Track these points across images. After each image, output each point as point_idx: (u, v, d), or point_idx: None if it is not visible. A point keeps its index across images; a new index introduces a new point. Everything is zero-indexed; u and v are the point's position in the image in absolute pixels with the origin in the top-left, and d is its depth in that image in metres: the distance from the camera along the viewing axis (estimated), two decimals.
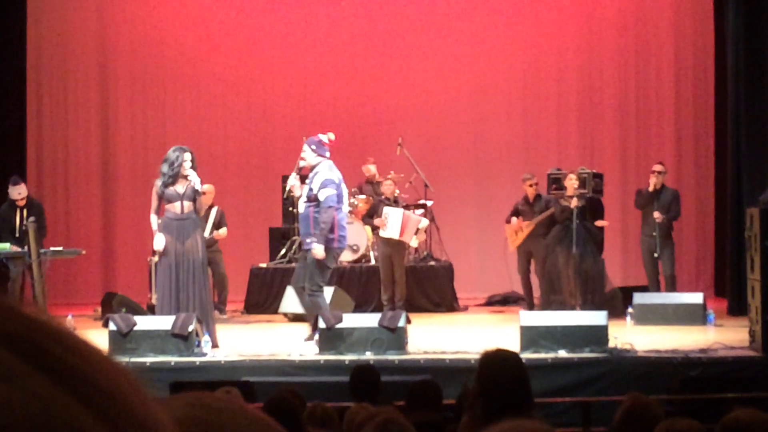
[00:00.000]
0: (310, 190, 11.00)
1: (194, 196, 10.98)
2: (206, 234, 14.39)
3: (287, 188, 11.26)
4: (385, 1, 18.01)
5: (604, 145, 17.77)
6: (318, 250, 10.82)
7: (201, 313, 10.80)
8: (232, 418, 0.87)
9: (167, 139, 17.52)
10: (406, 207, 14.73)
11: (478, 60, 17.91)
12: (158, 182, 10.96)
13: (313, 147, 11.15)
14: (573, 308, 13.19)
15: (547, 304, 13.72)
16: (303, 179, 11.34)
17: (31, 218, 13.25)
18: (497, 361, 4.32)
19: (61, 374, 0.71)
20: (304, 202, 11.08)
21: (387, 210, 14.27)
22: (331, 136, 11.38)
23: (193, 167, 10.97)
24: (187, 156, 10.97)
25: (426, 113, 17.84)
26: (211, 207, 14.48)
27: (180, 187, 10.91)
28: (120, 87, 18.05)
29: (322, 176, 11.00)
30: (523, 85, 17.95)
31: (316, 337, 10.76)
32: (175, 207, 10.92)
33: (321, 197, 10.91)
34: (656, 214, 13.89)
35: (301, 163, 11.30)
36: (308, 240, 11.02)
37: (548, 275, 14.10)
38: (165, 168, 10.95)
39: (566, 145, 17.77)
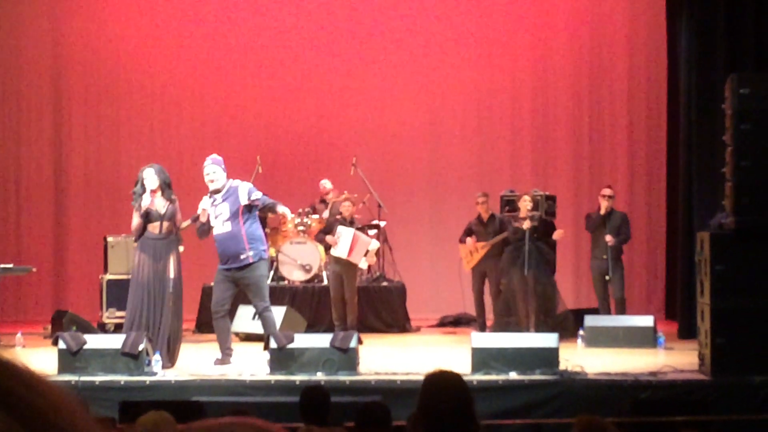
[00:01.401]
0: (234, 205, 10.98)
1: (173, 216, 10.97)
2: None
3: (201, 211, 11.10)
4: (338, 22, 18.02)
5: (558, 168, 17.85)
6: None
7: (168, 334, 10.77)
8: None
9: (121, 156, 17.48)
10: (360, 228, 14.70)
11: (432, 81, 17.97)
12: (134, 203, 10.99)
13: (223, 167, 11.15)
14: (527, 329, 13.25)
15: (502, 326, 13.75)
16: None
17: None
18: (440, 382, 4.31)
19: (8, 403, 0.77)
20: (227, 220, 11.01)
21: (340, 229, 14.24)
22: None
23: (162, 182, 10.94)
24: (147, 173, 10.95)
25: (380, 133, 17.86)
26: None
27: (161, 207, 10.89)
28: (73, 103, 17.95)
29: (244, 186, 11.12)
30: (477, 107, 18.01)
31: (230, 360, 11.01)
32: (155, 227, 10.92)
33: (256, 196, 11.00)
34: (608, 237, 13.95)
35: (213, 185, 11.14)
36: (243, 256, 10.98)
37: (503, 296, 14.15)
38: (135, 188, 11.01)
39: (520, 167, 17.84)
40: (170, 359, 10.90)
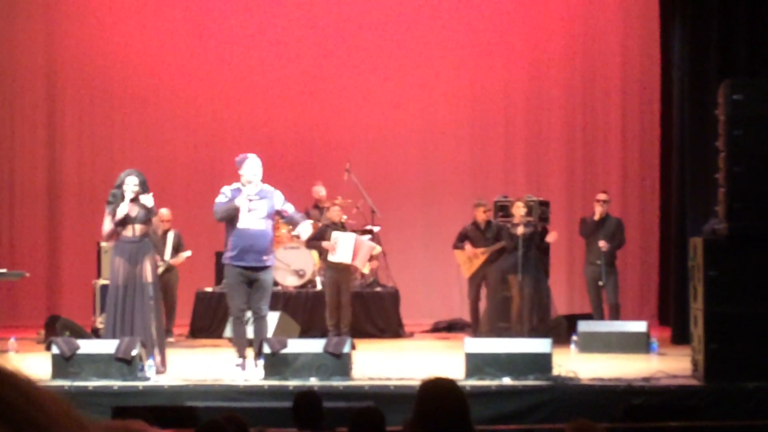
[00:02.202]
0: (271, 206, 11.02)
1: (146, 219, 10.94)
2: (167, 257, 14.35)
3: (247, 199, 11.08)
4: (333, 27, 18.02)
5: (551, 173, 17.86)
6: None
7: (151, 337, 10.75)
8: None
9: (114, 161, 17.44)
10: (354, 232, 14.68)
11: (426, 86, 17.97)
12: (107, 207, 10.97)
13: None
14: (520, 335, 13.24)
15: (495, 331, 13.75)
16: None
17: None
18: (436, 389, 4.32)
19: (6, 414, 0.78)
20: (262, 218, 11.02)
21: (336, 234, 14.16)
22: None
23: (143, 191, 10.92)
24: (130, 179, 10.91)
25: (374, 139, 17.86)
26: (167, 231, 14.45)
27: (132, 210, 10.87)
28: (67, 107, 17.94)
29: (279, 193, 11.18)
30: (471, 112, 18.02)
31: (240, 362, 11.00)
32: (127, 230, 10.89)
33: (288, 208, 11.21)
34: (602, 243, 13.95)
35: (256, 178, 11.15)
36: (266, 257, 11.00)
37: (496, 301, 14.13)
38: (113, 190, 10.98)
39: (513, 173, 17.85)
40: (162, 364, 10.89)
